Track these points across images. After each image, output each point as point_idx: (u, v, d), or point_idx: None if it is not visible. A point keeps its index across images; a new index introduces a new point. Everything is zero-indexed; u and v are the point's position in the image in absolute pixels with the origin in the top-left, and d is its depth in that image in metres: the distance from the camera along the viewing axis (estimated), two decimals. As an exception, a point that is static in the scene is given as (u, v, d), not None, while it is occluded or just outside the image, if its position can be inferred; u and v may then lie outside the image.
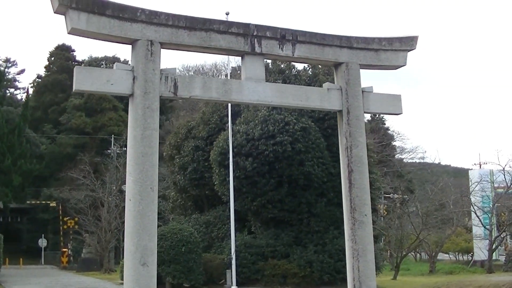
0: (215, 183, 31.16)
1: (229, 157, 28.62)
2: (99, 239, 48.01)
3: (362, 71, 14.86)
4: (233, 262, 28.49)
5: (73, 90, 12.50)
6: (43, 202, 59.91)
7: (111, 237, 48.11)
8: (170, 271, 28.45)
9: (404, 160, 75.72)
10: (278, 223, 30.65)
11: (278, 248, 30.00)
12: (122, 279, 34.88)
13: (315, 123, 30.44)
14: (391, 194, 53.35)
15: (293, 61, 26.46)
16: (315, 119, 30.66)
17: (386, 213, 49.93)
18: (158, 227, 13.49)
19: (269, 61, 33.11)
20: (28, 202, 60.87)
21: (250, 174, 29.31)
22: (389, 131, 77.30)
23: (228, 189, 28.81)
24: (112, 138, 56.88)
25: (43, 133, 67.92)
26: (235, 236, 30.40)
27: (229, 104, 29.57)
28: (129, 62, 13.18)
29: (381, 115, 69.60)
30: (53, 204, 57.86)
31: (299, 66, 35.51)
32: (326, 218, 29.94)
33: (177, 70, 14.93)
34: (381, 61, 15.02)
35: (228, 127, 29.46)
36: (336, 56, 14.51)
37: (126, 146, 54.59)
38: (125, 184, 40.45)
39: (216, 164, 30.52)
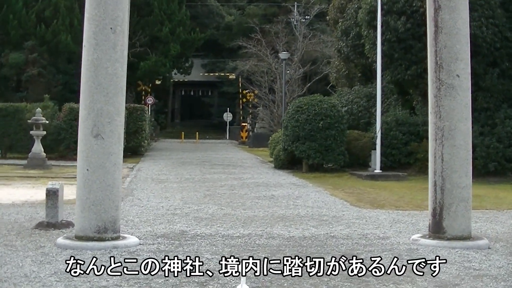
0: (366, 48, 26.44)
1: (377, 16, 23.83)
2: (272, 113, 45.21)
3: None
4: (378, 141, 24.06)
5: None
6: (223, 74, 58.12)
7: (283, 111, 45.05)
8: (304, 149, 24.52)
9: None
10: (439, 97, 25.37)
11: (436, 127, 24.86)
12: (271, 156, 31.74)
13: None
14: None
15: None
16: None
17: None
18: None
19: None
20: (215, 74, 59.55)
21: (403, 36, 24.12)
22: None
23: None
24: (295, 5, 52.71)
25: (235, 3, 65.56)
26: (388, 112, 25.89)
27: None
28: None
29: None
30: (232, 76, 55.73)
31: None
32: (498, 93, 24.00)
33: None
34: None
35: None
36: None
37: (308, 14, 50.79)
38: (285, 51, 35.80)
39: (364, 24, 25.70)
